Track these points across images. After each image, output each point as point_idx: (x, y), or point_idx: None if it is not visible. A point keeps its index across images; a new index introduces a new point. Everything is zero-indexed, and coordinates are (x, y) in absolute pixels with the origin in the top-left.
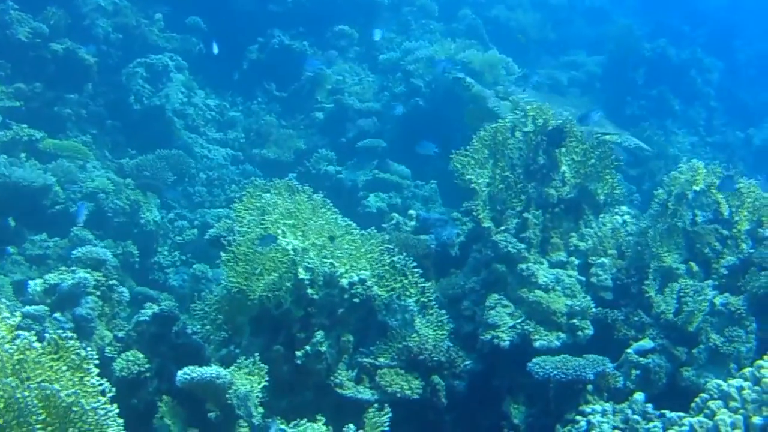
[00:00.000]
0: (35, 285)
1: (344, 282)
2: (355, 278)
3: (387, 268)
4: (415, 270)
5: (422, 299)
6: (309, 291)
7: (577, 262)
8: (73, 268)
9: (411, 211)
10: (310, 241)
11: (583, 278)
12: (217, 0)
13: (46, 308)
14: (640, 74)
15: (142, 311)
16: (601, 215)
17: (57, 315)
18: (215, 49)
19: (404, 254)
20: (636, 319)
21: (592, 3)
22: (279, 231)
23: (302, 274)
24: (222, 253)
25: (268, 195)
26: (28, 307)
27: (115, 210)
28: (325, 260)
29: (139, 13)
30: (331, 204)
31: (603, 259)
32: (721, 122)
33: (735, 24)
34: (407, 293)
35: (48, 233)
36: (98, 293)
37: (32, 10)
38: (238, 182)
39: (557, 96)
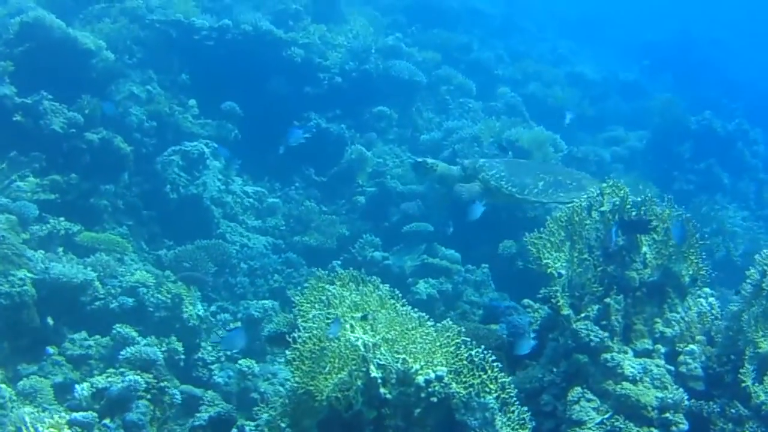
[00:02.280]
0: (82, 389)
1: (420, 379)
2: (432, 375)
3: (464, 362)
4: (495, 364)
5: (503, 396)
6: (382, 390)
7: (663, 350)
8: (122, 369)
9: (477, 299)
10: (381, 335)
11: (672, 367)
12: (252, 84)
13: (95, 414)
14: (687, 148)
15: (198, 414)
16: (687, 299)
17: (106, 422)
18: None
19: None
20: (733, 411)
21: (626, 78)
22: (347, 325)
23: (374, 372)
24: (287, 352)
25: (333, 287)
26: (75, 414)
27: (157, 305)
28: (398, 356)
29: (173, 99)
30: (400, 294)
31: (692, 346)
32: None
33: None
34: (486, 390)
35: (87, 331)
36: (149, 396)
37: (66, 100)
38: (281, 272)
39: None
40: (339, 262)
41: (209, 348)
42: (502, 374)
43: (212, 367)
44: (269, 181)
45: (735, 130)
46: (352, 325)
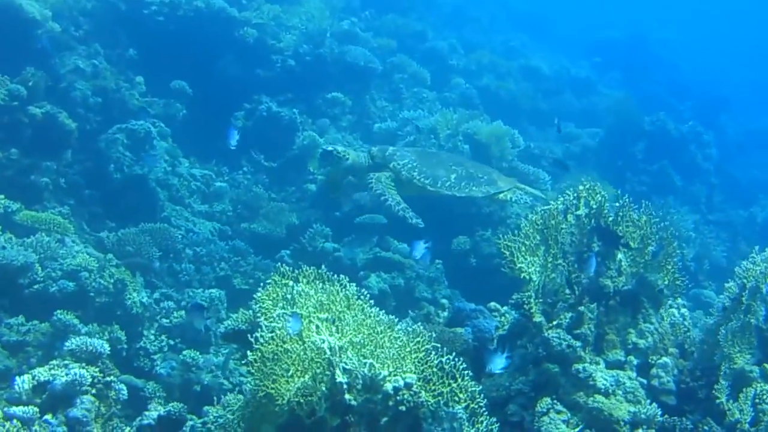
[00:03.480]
0: (23, 382)
1: (388, 387)
2: (401, 382)
3: (434, 370)
4: (465, 372)
5: (472, 405)
6: (347, 396)
7: (635, 361)
8: (66, 362)
9: (443, 301)
10: (348, 338)
11: (644, 380)
12: (202, 63)
13: (36, 409)
14: (640, 148)
15: (146, 412)
16: (661, 309)
17: (48, 417)
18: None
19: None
20: (706, 428)
21: (578, 74)
22: (313, 326)
23: (340, 377)
24: (248, 353)
25: (298, 285)
26: (14, 408)
27: (98, 290)
28: (365, 360)
29: (120, 75)
30: (367, 295)
31: (665, 359)
32: (720, 199)
33: (720, 98)
34: (456, 399)
35: (25, 315)
36: (94, 391)
37: (8, 71)
38: (228, 260)
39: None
40: (288, 252)
41: (152, 337)
42: (473, 383)
43: (155, 357)
44: (217, 164)
45: (688, 132)
46: (317, 326)
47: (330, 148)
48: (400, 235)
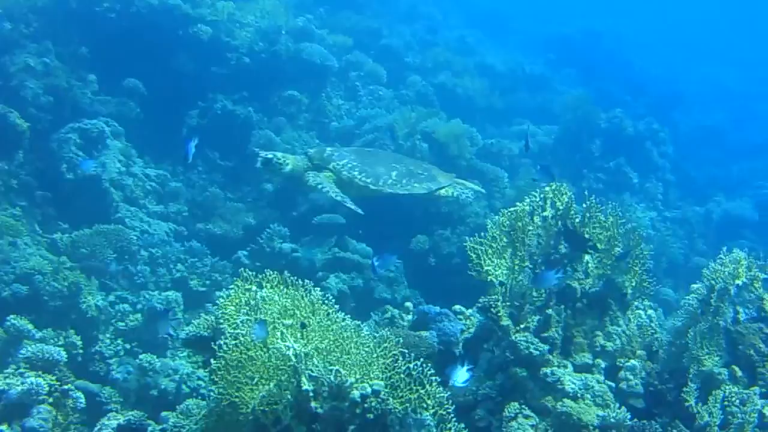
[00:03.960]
0: None
1: (355, 394)
2: (368, 389)
3: (402, 376)
4: (432, 378)
5: (440, 412)
6: (313, 404)
7: (603, 364)
8: (21, 370)
9: (408, 304)
10: (313, 344)
11: (612, 383)
12: (155, 61)
13: None
14: (597, 145)
15: (105, 421)
16: (628, 311)
17: (3, 428)
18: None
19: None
20: (676, 431)
21: (533, 71)
22: (277, 333)
23: (305, 384)
24: (212, 360)
25: (262, 290)
26: None
27: (52, 293)
28: (331, 367)
29: (71, 74)
30: (332, 299)
31: (633, 361)
32: (676, 196)
33: (673, 94)
34: (424, 405)
35: None
36: (51, 400)
37: None
38: (184, 261)
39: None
40: (245, 253)
41: (107, 341)
42: (440, 389)
43: (110, 361)
44: (172, 164)
45: (645, 129)
46: (282, 333)
47: (269, 155)
48: (359, 236)
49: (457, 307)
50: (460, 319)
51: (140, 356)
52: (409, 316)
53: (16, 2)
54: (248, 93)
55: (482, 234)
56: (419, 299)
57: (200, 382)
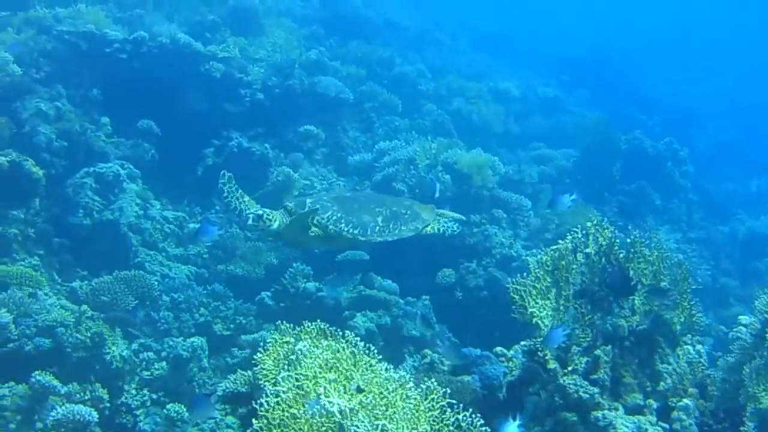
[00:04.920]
0: None
1: None
2: None
3: (451, 428)
4: (483, 429)
5: None
6: None
7: (655, 405)
8: None
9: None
10: (358, 399)
11: (666, 425)
12: (168, 100)
13: None
14: (617, 168)
15: None
16: (678, 347)
17: None
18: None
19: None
20: None
21: (546, 94)
22: (320, 388)
23: None
24: (254, 420)
25: (302, 343)
26: None
27: (75, 345)
28: (377, 422)
29: (84, 117)
30: (375, 351)
31: (686, 400)
32: (699, 216)
33: (686, 111)
34: None
35: (1, 377)
36: None
37: None
38: (207, 305)
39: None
40: (269, 294)
41: (133, 391)
42: None
43: (137, 412)
44: (189, 204)
45: (665, 149)
46: (325, 388)
47: (260, 212)
48: (383, 271)
49: (498, 348)
50: (502, 362)
51: (167, 406)
52: (450, 360)
53: (25, 47)
54: (263, 129)
55: (523, 274)
56: (447, 334)
57: (229, 431)
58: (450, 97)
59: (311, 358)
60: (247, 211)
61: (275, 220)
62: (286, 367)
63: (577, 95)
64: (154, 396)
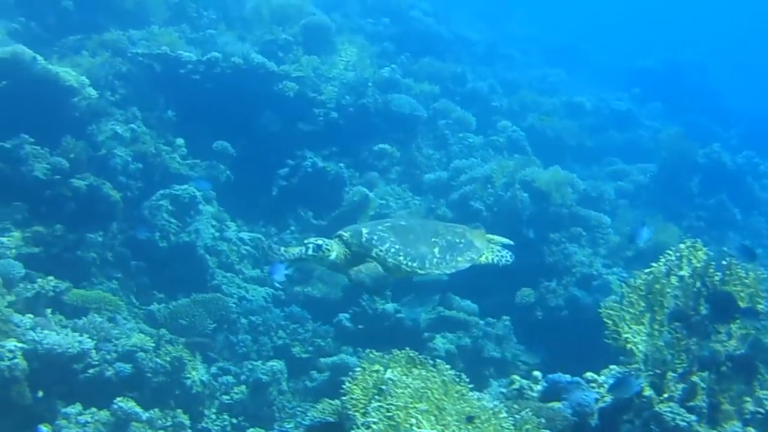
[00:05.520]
0: None
1: None
2: None
3: None
4: None
5: None
6: None
7: None
8: None
9: (536, 373)
10: (450, 430)
11: None
12: (241, 121)
13: None
14: (695, 182)
15: None
16: None
17: None
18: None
19: None
20: None
21: (619, 108)
22: (412, 420)
23: None
24: None
25: (391, 372)
26: None
27: (155, 369)
28: None
29: (159, 138)
30: (467, 379)
31: None
32: None
33: (763, 122)
34: None
35: (82, 402)
36: None
37: (45, 142)
38: (285, 327)
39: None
40: (347, 316)
41: (213, 416)
42: None
43: None
44: (264, 225)
45: (744, 163)
46: (417, 420)
47: (319, 241)
48: (462, 291)
49: (589, 374)
50: (593, 388)
51: (248, 431)
52: (538, 386)
53: (100, 69)
54: (337, 148)
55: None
56: (527, 355)
57: None
58: (523, 112)
59: (401, 387)
60: (307, 240)
61: (333, 250)
62: (375, 396)
63: (650, 108)
64: (234, 421)
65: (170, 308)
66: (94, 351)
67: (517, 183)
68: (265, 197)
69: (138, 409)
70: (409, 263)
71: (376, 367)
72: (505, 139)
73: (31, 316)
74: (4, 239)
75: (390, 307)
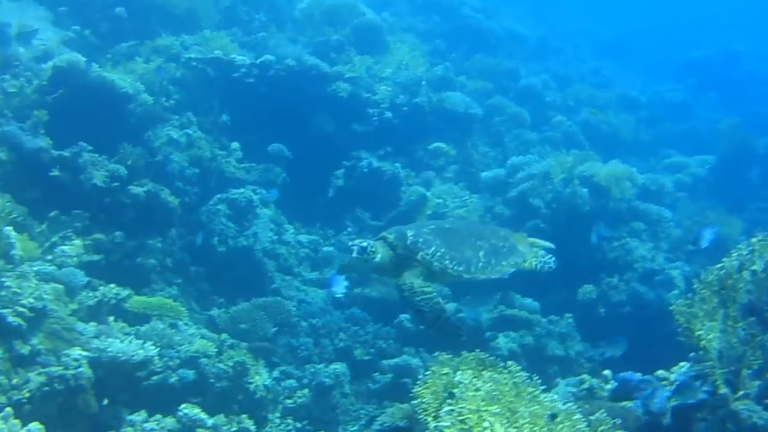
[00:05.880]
0: None
1: None
2: None
3: None
4: None
5: None
6: None
7: None
8: None
9: (606, 372)
10: None
11: None
12: (295, 123)
13: None
14: (756, 173)
15: None
16: None
17: None
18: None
19: None
20: None
21: (673, 99)
22: (485, 424)
23: None
24: None
25: (462, 374)
26: None
27: (218, 375)
28: None
29: (214, 143)
30: (539, 380)
31: None
32: None
33: None
34: None
35: (146, 409)
36: None
37: (102, 149)
38: (346, 329)
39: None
40: (407, 317)
41: (277, 421)
42: None
43: None
44: (321, 227)
45: None
46: (490, 423)
47: (364, 243)
48: (522, 289)
49: (660, 372)
50: (665, 386)
51: None
52: (609, 385)
53: (155, 76)
54: (392, 148)
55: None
56: (591, 353)
57: None
58: (578, 107)
59: (473, 390)
60: (351, 243)
61: (378, 252)
62: (447, 400)
63: (706, 99)
64: (299, 425)
65: (231, 313)
66: (157, 358)
67: (576, 178)
68: (321, 199)
69: (203, 416)
70: (455, 267)
71: (446, 369)
72: (561, 134)
73: (95, 324)
74: (65, 248)
75: (450, 306)
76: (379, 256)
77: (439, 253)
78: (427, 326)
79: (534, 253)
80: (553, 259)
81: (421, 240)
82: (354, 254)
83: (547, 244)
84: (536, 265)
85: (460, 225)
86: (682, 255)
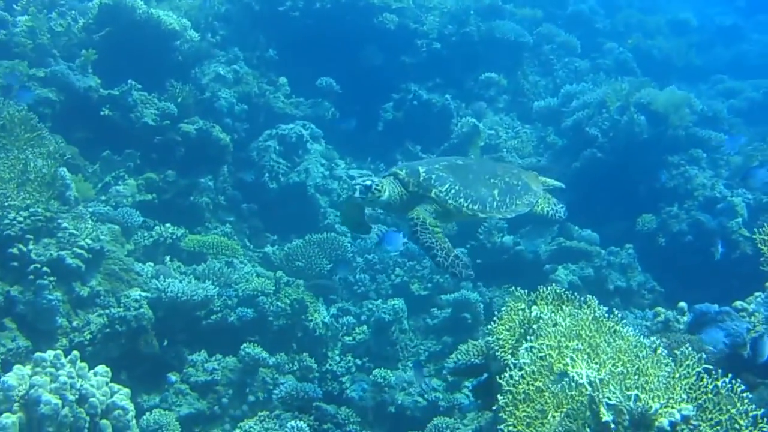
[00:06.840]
0: None
1: (664, 422)
2: (677, 416)
3: (710, 395)
4: (744, 395)
5: None
6: None
7: None
8: (277, 412)
9: (681, 304)
10: (607, 368)
11: None
12: (343, 56)
13: None
14: None
15: None
16: None
17: None
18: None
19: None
20: None
21: (723, 22)
22: (566, 360)
23: (605, 416)
24: (499, 396)
25: (541, 310)
26: None
27: (277, 313)
28: (630, 393)
29: (262, 78)
30: (620, 315)
31: None
32: None
33: None
34: (736, 427)
35: (206, 349)
36: None
37: (150, 87)
38: (402, 265)
39: None
40: (465, 250)
41: (337, 358)
42: (752, 406)
43: (343, 379)
44: (372, 161)
45: None
46: (572, 358)
47: (368, 182)
48: (581, 220)
49: (738, 303)
50: (743, 317)
51: (374, 372)
52: (685, 318)
53: (200, 12)
54: (442, 79)
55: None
56: (653, 284)
57: (437, 394)
58: (628, 32)
59: (552, 325)
60: (353, 181)
61: (384, 190)
62: (527, 336)
63: (757, 21)
64: (359, 362)
65: (285, 250)
66: (216, 297)
67: (632, 106)
68: (371, 133)
69: (265, 354)
70: (470, 206)
71: (521, 305)
72: (612, 61)
73: (152, 264)
74: (120, 187)
75: (508, 239)
76: (386, 194)
77: (453, 191)
78: (436, 265)
79: (546, 197)
80: (564, 208)
81: (434, 176)
82: (357, 194)
83: (558, 183)
84: (547, 211)
85: (472, 161)
86: (742, 183)
